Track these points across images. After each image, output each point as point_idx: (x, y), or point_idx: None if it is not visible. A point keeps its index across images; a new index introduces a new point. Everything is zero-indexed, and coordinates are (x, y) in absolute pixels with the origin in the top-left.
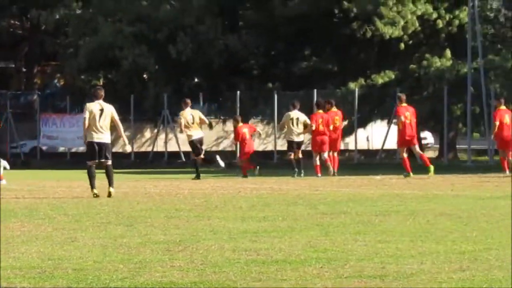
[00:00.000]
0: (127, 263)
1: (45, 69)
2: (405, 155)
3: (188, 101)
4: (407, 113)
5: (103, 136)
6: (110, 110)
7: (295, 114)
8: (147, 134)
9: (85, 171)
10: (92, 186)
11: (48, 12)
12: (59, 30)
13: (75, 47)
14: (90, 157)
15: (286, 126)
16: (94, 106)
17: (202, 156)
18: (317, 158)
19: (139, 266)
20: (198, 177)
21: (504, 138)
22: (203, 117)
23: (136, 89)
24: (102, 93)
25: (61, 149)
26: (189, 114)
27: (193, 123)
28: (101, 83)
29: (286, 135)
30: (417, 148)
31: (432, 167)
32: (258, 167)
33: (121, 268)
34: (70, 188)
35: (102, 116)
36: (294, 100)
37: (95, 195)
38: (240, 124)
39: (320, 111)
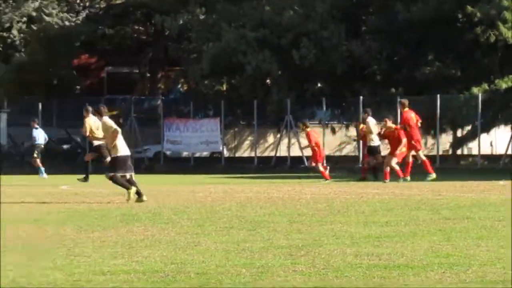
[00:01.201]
0: (249, 268)
1: (169, 74)
2: None
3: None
4: None
5: None
6: None
7: (373, 120)
8: (270, 139)
9: (208, 175)
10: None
11: (172, 17)
12: (183, 35)
13: (198, 53)
14: None
15: (371, 132)
16: None
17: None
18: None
19: (261, 271)
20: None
21: None
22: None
23: (259, 94)
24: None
25: (185, 154)
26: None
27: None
28: (224, 88)
29: (369, 141)
30: None
31: None
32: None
33: (243, 272)
34: (193, 193)
35: None
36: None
37: None
38: (309, 129)
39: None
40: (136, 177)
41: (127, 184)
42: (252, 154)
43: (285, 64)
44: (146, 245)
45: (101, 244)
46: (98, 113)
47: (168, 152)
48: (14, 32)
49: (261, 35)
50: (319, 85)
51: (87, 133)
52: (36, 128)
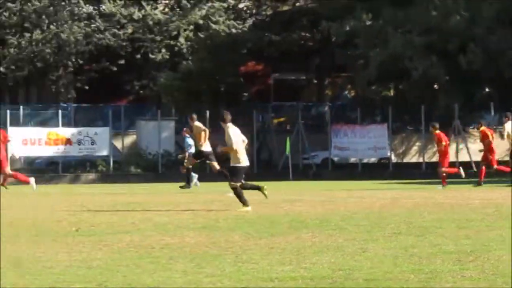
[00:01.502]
0: (417, 273)
1: (335, 81)
2: None
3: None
4: None
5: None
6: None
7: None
8: None
9: (376, 181)
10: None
11: (338, 23)
12: (350, 41)
13: (365, 58)
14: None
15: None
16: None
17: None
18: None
19: (429, 276)
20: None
21: None
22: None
23: (426, 100)
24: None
25: (352, 160)
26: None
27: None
28: (392, 94)
29: None
30: None
31: None
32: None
33: (411, 278)
34: (361, 199)
35: None
36: None
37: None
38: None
39: None
40: (304, 184)
41: (246, 199)
42: (420, 160)
43: (452, 69)
44: (314, 251)
45: (269, 250)
46: (223, 121)
47: (335, 158)
48: (181, 40)
49: (428, 40)
50: (487, 90)
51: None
52: (189, 137)
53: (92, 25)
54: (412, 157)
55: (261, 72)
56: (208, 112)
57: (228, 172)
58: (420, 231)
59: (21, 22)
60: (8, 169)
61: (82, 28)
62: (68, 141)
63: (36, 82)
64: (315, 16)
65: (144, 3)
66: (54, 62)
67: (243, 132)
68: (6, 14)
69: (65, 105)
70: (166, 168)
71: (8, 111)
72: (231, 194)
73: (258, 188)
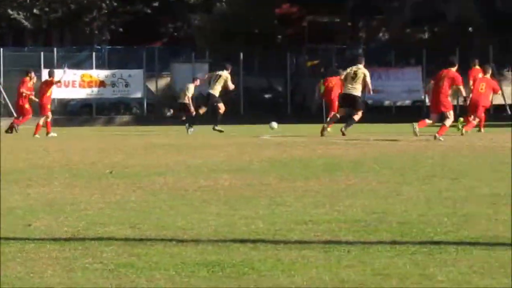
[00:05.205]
0: (451, 217)
1: (370, 23)
2: None
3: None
4: None
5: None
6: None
7: None
8: None
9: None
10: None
11: None
12: None
13: (400, 1)
14: None
15: None
16: None
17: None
18: None
19: (463, 220)
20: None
21: None
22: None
23: (461, 42)
24: None
25: (387, 102)
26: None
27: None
28: (426, 37)
29: None
30: None
31: None
32: None
33: (445, 221)
34: (395, 142)
35: None
36: None
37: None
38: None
39: None
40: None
41: None
42: (454, 102)
43: (487, 11)
44: (348, 194)
45: (303, 193)
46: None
47: (370, 101)
48: None
49: None
50: None
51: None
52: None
53: None
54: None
55: (296, 14)
56: (241, 54)
57: None
58: (455, 174)
59: None
60: (49, 114)
61: None
62: (102, 83)
63: (70, 24)
64: None
65: None
66: (88, 4)
67: (277, 75)
68: None
69: (99, 47)
70: None
71: (42, 53)
72: (267, 136)
73: None
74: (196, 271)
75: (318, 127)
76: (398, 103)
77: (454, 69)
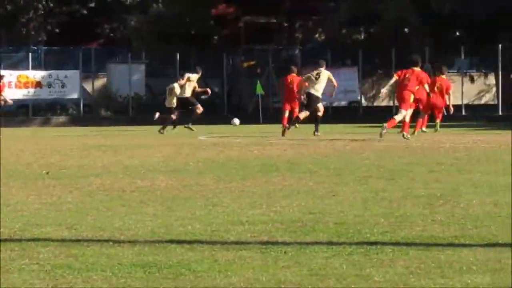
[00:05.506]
0: (388, 217)
1: (306, 24)
2: None
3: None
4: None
5: None
6: None
7: None
8: None
9: (346, 125)
10: None
11: None
12: None
13: (336, 1)
14: None
15: None
16: None
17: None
18: None
19: (400, 220)
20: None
21: None
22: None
23: (397, 43)
24: None
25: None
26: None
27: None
28: (362, 37)
29: None
30: None
31: None
32: None
33: (382, 222)
34: (331, 142)
35: None
36: None
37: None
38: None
39: None
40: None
41: None
42: (391, 103)
43: (423, 12)
44: (284, 195)
45: (239, 194)
46: None
47: (305, 102)
48: None
49: None
50: (457, 33)
51: None
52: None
53: None
54: (383, 101)
55: (232, 15)
56: (178, 55)
57: None
58: (391, 175)
59: None
60: None
61: None
62: (38, 84)
63: (6, 24)
64: None
65: None
66: (25, 5)
67: (214, 75)
68: None
69: (35, 48)
70: (137, 111)
71: None
72: (203, 137)
73: None
74: (133, 272)
75: (254, 127)
76: (334, 104)
77: (417, 68)
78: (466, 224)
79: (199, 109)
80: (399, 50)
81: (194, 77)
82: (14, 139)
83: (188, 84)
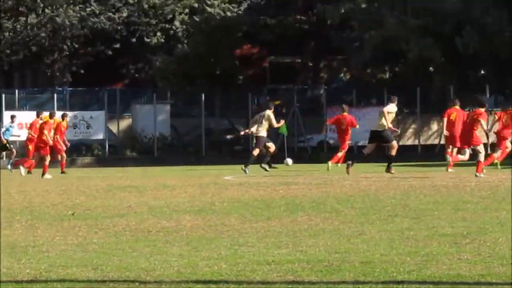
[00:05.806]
0: (414, 256)
1: (331, 63)
2: None
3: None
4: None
5: None
6: None
7: None
8: (434, 126)
9: (372, 164)
10: None
11: (333, 6)
12: (345, 24)
13: (360, 41)
14: None
15: None
16: None
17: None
18: None
19: (426, 259)
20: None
21: None
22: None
23: (422, 82)
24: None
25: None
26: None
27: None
28: (387, 76)
29: None
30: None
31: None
32: None
33: (408, 261)
34: (357, 182)
35: None
36: None
37: None
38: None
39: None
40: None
41: None
42: (416, 142)
43: (447, 51)
44: (310, 234)
45: (265, 234)
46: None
47: (331, 141)
48: (177, 23)
49: (424, 22)
50: (482, 72)
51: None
52: None
53: (87, 9)
54: (408, 140)
55: (257, 55)
56: (203, 96)
57: None
58: (416, 214)
59: (16, 6)
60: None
61: (77, 12)
62: None
63: (31, 66)
64: None
65: None
66: (49, 46)
67: (239, 115)
68: None
69: (60, 89)
70: (162, 152)
71: (3, 95)
72: (229, 177)
73: None
74: None
75: (280, 167)
76: (360, 143)
77: (483, 109)
78: (492, 263)
79: (271, 148)
80: (424, 89)
81: (267, 113)
82: (40, 180)
83: (263, 121)
